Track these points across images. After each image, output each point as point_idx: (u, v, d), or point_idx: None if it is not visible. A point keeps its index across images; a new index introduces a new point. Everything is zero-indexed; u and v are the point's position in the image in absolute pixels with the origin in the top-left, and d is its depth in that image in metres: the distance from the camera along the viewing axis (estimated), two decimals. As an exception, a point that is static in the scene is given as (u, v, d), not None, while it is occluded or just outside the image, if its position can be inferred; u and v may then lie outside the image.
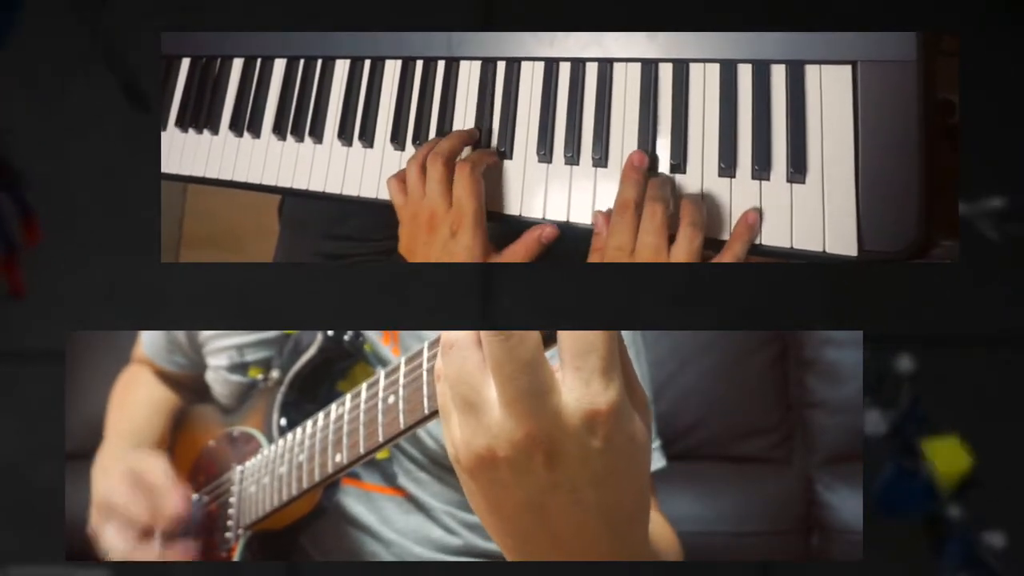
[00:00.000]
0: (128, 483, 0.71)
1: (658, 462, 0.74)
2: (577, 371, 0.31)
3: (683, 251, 0.57)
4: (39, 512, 0.76)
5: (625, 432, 0.31)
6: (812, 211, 0.59)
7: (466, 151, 0.69)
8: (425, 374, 0.45)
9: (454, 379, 0.33)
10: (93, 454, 0.78)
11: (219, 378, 0.75)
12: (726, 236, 0.60)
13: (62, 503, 0.61)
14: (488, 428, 0.32)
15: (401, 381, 0.47)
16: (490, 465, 0.32)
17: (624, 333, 0.71)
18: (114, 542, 0.69)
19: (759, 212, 0.59)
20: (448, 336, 0.33)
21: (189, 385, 0.84)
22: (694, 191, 0.62)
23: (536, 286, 0.88)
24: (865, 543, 0.81)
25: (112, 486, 0.71)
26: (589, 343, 0.31)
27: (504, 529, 0.34)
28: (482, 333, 0.32)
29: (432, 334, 0.65)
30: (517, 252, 0.65)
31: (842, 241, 0.58)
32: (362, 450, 0.52)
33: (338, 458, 0.55)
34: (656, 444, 0.75)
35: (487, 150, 0.69)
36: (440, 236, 0.63)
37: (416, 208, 0.65)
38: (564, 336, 0.31)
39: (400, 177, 0.68)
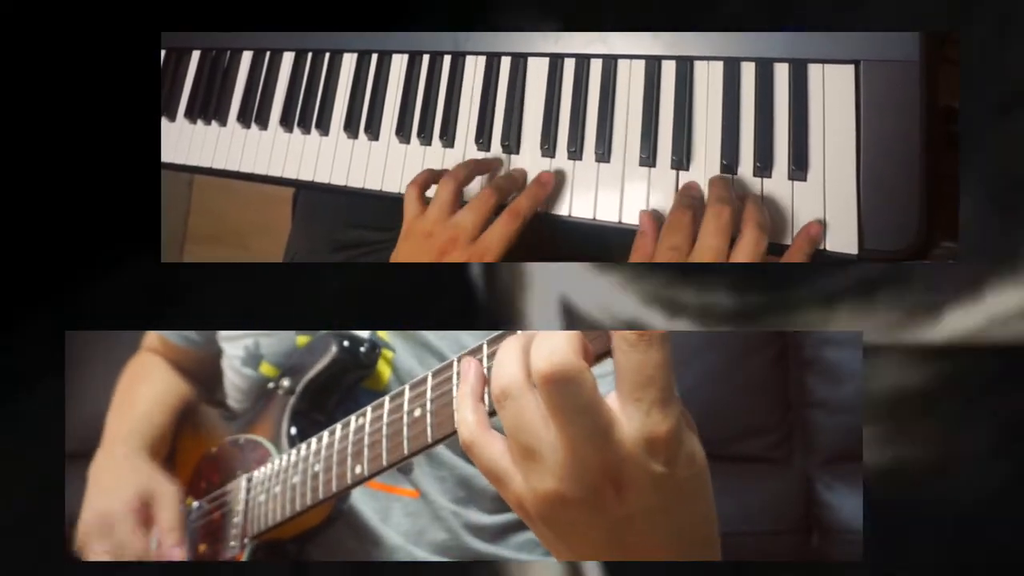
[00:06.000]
0: (135, 514, 0.68)
1: None
2: (637, 403, 0.31)
3: (747, 253, 0.55)
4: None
5: (686, 454, 0.32)
6: (813, 209, 0.59)
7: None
8: (455, 389, 0.44)
9: (513, 430, 0.33)
10: (93, 454, 0.77)
11: (232, 367, 0.75)
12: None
13: (62, 503, 0.61)
14: (554, 471, 0.32)
15: (429, 395, 0.47)
16: (561, 508, 0.32)
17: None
18: (99, 557, 0.68)
19: (822, 224, 0.58)
20: (500, 385, 0.33)
21: (201, 371, 0.82)
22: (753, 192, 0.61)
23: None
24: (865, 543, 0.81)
25: (117, 509, 0.69)
26: (648, 376, 0.31)
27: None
28: (536, 377, 0.32)
29: (442, 336, 0.64)
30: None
31: (843, 239, 0.58)
32: (385, 462, 0.51)
33: (358, 469, 0.54)
34: None
35: (538, 188, 0.65)
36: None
37: (433, 228, 0.63)
38: (622, 368, 0.32)
39: (419, 184, 0.65)
